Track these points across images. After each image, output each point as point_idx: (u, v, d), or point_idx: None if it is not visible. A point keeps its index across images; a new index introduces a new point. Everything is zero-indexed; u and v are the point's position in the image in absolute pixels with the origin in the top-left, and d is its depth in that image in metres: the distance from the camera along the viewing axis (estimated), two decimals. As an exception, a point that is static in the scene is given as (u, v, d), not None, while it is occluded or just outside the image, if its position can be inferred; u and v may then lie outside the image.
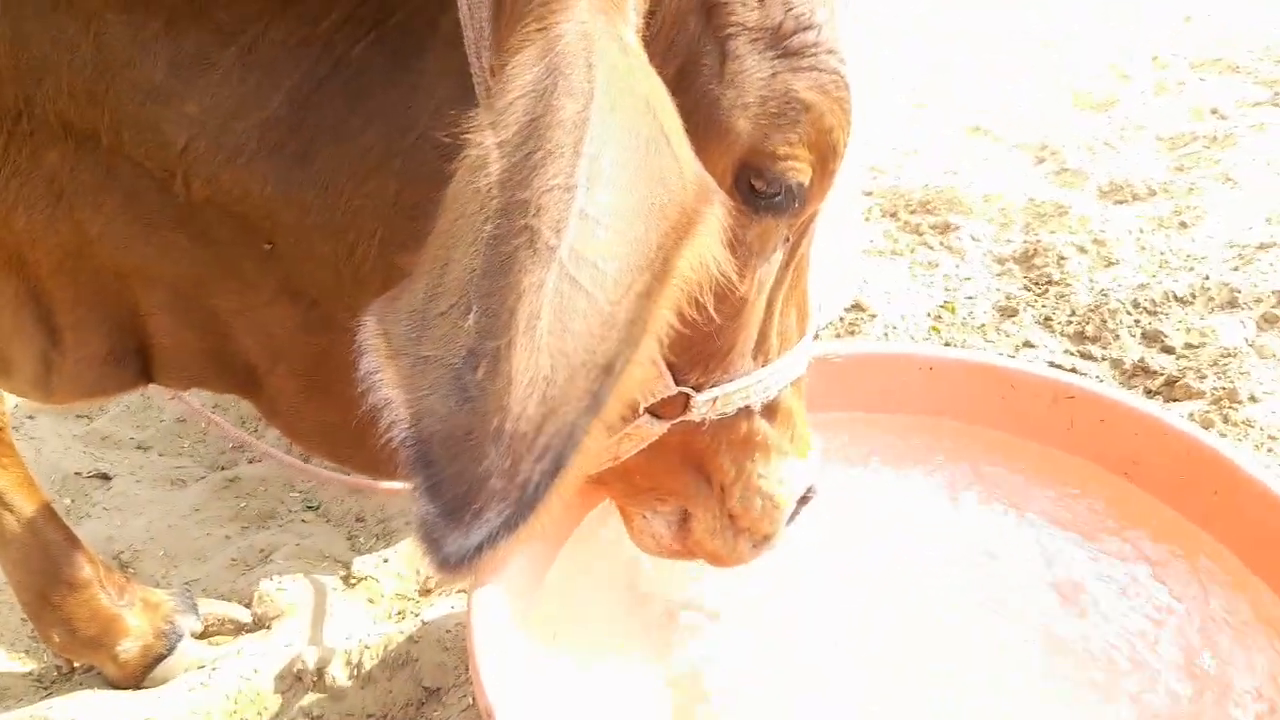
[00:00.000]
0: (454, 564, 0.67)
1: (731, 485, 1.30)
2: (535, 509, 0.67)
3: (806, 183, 1.05)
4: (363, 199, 0.99)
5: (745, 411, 1.25)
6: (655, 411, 1.19)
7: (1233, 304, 2.93)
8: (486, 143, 0.72)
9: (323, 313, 1.09)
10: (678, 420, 1.20)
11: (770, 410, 1.29)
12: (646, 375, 0.73)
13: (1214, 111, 4.39)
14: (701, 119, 0.96)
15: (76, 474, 2.56)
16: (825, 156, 1.06)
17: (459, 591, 2.07)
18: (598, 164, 0.71)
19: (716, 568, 1.45)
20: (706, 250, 0.76)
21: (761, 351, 1.23)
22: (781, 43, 0.98)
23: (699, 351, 1.15)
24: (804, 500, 1.40)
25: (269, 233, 1.04)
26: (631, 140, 0.74)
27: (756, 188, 1.03)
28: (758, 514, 1.33)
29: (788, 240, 1.15)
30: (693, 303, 0.78)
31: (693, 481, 1.31)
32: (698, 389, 1.17)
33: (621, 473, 1.33)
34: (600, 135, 0.72)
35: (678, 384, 1.16)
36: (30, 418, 2.76)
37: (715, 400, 1.19)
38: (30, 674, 2.06)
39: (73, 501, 2.49)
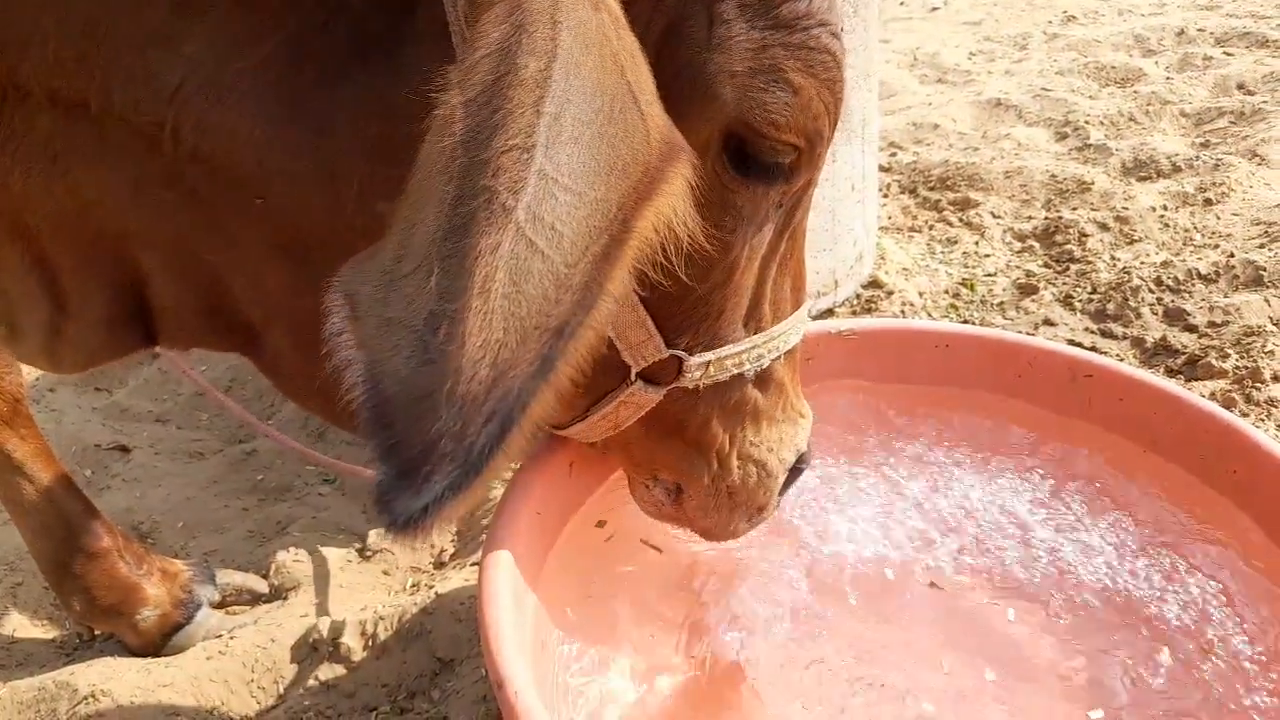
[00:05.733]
0: (402, 525, 0.68)
1: (724, 453, 1.30)
2: (481, 471, 0.68)
3: (793, 159, 1.04)
4: (349, 143, 0.99)
5: (738, 379, 1.25)
6: (649, 377, 1.19)
7: (1257, 282, 2.88)
8: (453, 102, 0.72)
9: (316, 268, 1.08)
10: (672, 386, 1.20)
11: (763, 379, 1.29)
12: (599, 339, 0.73)
13: (1240, 87, 4.31)
14: (687, 82, 0.95)
15: (96, 446, 2.59)
16: (812, 138, 1.05)
17: (472, 564, 2.08)
18: (558, 123, 0.71)
19: (709, 541, 1.45)
20: (671, 210, 0.75)
21: (754, 319, 1.22)
22: (772, 11, 0.96)
23: (689, 315, 1.15)
24: (796, 470, 1.40)
25: (260, 185, 1.03)
26: (595, 99, 0.73)
27: (745, 154, 1.02)
28: (751, 483, 1.33)
29: (780, 207, 1.14)
30: (657, 265, 0.78)
31: (686, 455, 1.31)
32: (689, 352, 1.17)
33: (622, 444, 1.34)
34: (562, 94, 0.71)
35: (668, 347, 1.16)
36: (51, 390, 2.80)
37: (708, 365, 1.19)
38: (52, 641, 2.09)
39: (92, 473, 2.52)
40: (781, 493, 1.40)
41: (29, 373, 2.13)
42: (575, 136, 0.71)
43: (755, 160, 1.03)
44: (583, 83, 0.73)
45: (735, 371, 1.22)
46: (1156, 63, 4.70)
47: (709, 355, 1.18)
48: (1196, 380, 2.56)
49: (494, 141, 0.69)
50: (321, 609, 2.08)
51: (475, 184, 0.69)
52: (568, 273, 0.70)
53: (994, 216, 3.43)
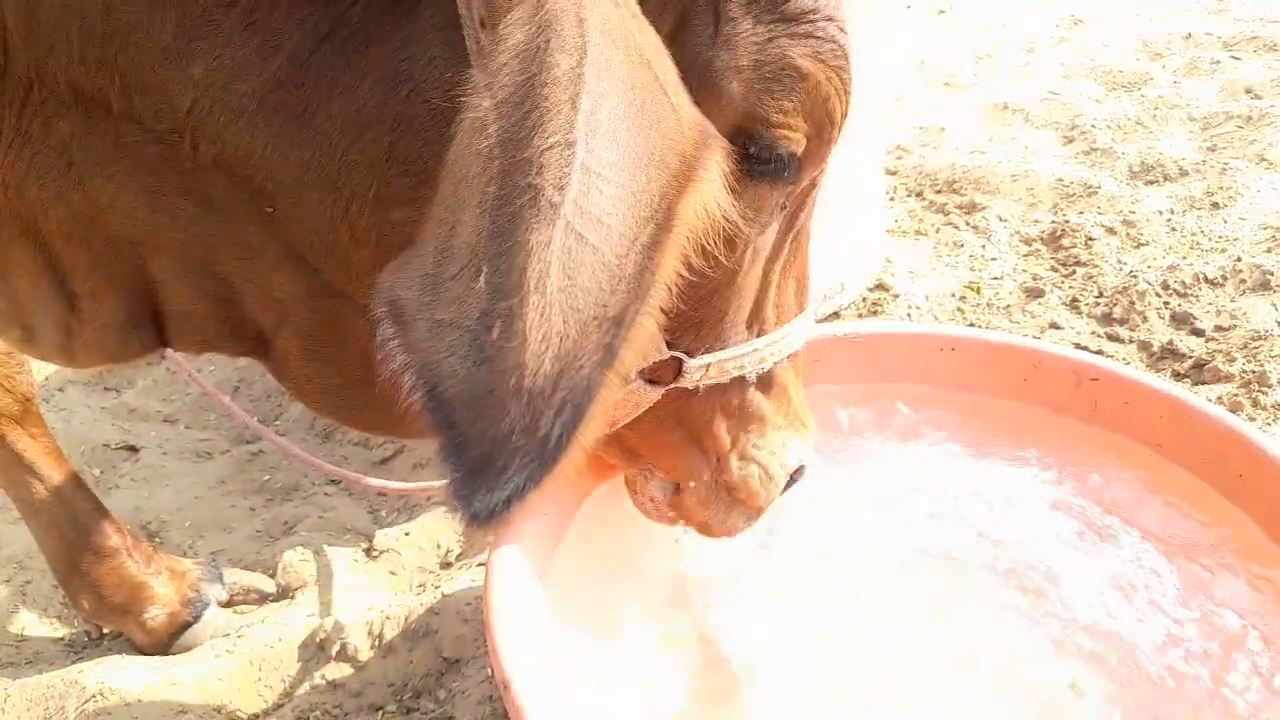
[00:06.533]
0: (483, 519, 0.69)
1: (725, 455, 1.30)
2: (557, 461, 0.69)
3: (800, 151, 1.04)
4: (358, 154, 0.99)
5: (740, 382, 1.25)
6: (649, 377, 1.20)
7: (1265, 286, 2.88)
8: (484, 105, 0.73)
9: (329, 275, 1.09)
10: (671, 386, 1.20)
11: (765, 383, 1.29)
12: (656, 326, 0.74)
13: (1248, 91, 4.31)
14: (694, 81, 0.95)
15: (105, 445, 2.60)
16: (821, 126, 1.05)
17: (479, 565, 2.09)
18: (595, 118, 0.71)
19: (706, 537, 1.45)
20: (710, 196, 0.77)
21: (757, 321, 1.23)
22: (778, 7, 0.97)
23: (692, 317, 1.16)
24: (793, 478, 1.40)
25: (271, 195, 1.04)
26: (628, 92, 0.74)
27: (750, 153, 1.02)
28: (750, 485, 1.33)
29: (784, 209, 1.14)
30: (700, 250, 0.79)
31: (686, 452, 1.31)
32: (690, 354, 1.17)
33: (617, 439, 1.33)
34: (596, 89, 0.72)
35: (669, 349, 1.16)
36: (60, 390, 2.81)
37: (708, 367, 1.19)
38: (61, 639, 2.10)
39: (101, 472, 2.53)
40: (780, 494, 1.40)
41: (38, 373, 2.15)
42: (612, 130, 0.72)
43: (763, 155, 1.02)
44: (614, 77, 0.74)
45: (736, 374, 1.23)
46: (1164, 67, 4.69)
47: (709, 358, 1.19)
48: (1203, 384, 2.56)
49: (534, 140, 0.70)
50: (328, 609, 2.08)
51: (519, 183, 0.70)
52: (619, 263, 0.71)
53: (1000, 220, 3.43)
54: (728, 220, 0.80)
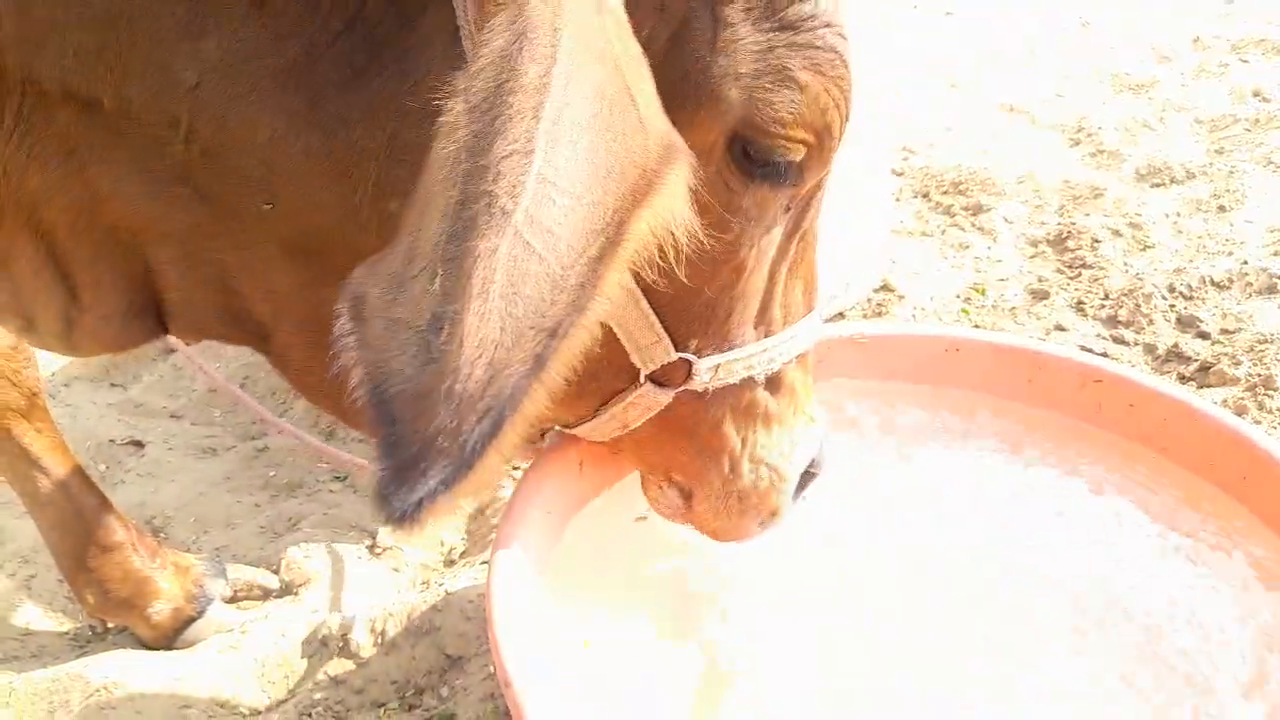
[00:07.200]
0: (398, 519, 0.70)
1: (736, 457, 1.30)
2: (473, 468, 0.70)
3: (800, 160, 1.05)
4: (364, 145, 1.01)
5: (749, 383, 1.25)
6: (659, 380, 1.20)
7: (1271, 289, 2.88)
8: (457, 109, 0.74)
9: (325, 265, 1.10)
10: (681, 389, 1.21)
11: (774, 383, 1.29)
12: (592, 338, 0.74)
13: (1256, 94, 4.29)
14: (692, 86, 0.96)
15: (111, 441, 2.61)
16: (821, 135, 1.05)
17: (481, 562, 2.09)
18: (557, 128, 0.72)
19: (719, 542, 1.45)
20: (669, 213, 0.77)
21: (764, 322, 1.23)
22: (777, 14, 0.97)
23: (698, 318, 1.16)
24: (809, 475, 1.40)
25: (270, 185, 1.05)
26: (594, 104, 0.75)
27: (751, 156, 1.03)
28: (763, 487, 1.33)
29: (789, 210, 1.14)
30: (655, 266, 0.79)
31: (698, 457, 1.31)
32: (698, 355, 1.18)
33: (634, 443, 1.34)
34: (561, 99, 0.73)
35: (677, 350, 1.17)
36: (66, 385, 2.82)
37: (717, 368, 1.19)
38: (66, 633, 2.11)
39: (107, 468, 2.54)
40: (795, 496, 1.40)
41: (45, 367, 2.16)
42: (573, 140, 0.73)
43: (763, 160, 1.03)
44: (581, 88, 0.74)
45: (745, 374, 1.23)
46: (1171, 69, 4.67)
47: (718, 358, 1.19)
48: (1208, 387, 2.55)
49: (495, 147, 0.71)
50: (332, 605, 2.09)
51: (477, 188, 0.71)
52: (563, 274, 0.72)
53: (1006, 221, 3.42)
54: (689, 236, 0.80)
